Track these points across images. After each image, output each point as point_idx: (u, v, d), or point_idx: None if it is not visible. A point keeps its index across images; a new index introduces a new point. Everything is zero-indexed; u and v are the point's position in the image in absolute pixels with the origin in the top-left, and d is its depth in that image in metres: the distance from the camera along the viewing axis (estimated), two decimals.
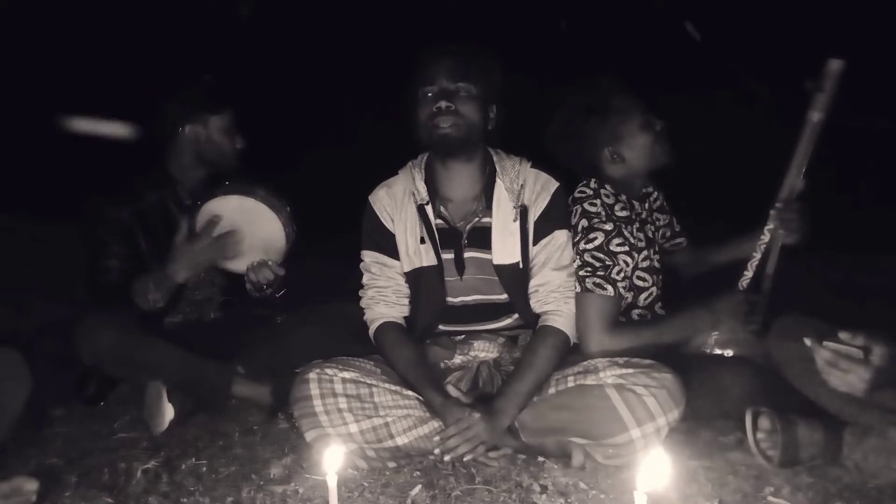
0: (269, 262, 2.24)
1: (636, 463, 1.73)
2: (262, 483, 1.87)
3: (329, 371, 1.93)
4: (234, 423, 2.23)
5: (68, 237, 2.53)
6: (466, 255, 2.05)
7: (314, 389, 1.90)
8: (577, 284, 2.03)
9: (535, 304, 2.05)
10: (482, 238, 2.04)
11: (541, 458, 1.93)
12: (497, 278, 2.04)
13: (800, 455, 1.82)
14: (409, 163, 2.12)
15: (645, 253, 2.10)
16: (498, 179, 2.05)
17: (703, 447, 1.99)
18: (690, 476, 1.83)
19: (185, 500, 1.80)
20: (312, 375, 1.92)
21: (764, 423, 1.88)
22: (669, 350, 2.04)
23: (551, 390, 1.92)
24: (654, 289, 2.14)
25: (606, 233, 2.03)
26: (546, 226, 2.04)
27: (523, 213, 2.03)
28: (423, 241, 2.04)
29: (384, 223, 2.09)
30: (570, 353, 2.02)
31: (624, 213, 2.08)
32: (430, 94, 1.97)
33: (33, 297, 3.22)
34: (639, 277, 2.11)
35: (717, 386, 2.01)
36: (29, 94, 4.44)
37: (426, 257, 2.05)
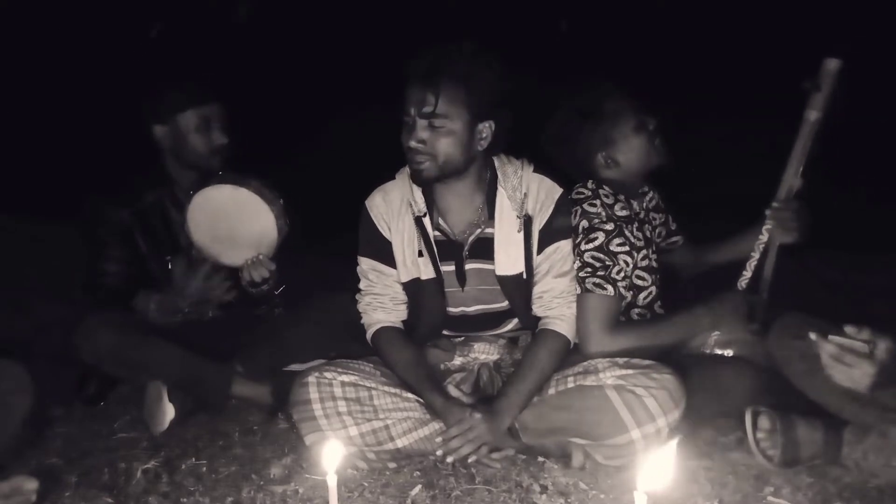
0: (260, 256, 2.22)
1: (636, 463, 1.73)
2: (262, 483, 1.87)
3: (328, 375, 1.92)
4: (234, 423, 2.23)
5: (68, 237, 2.53)
6: (468, 266, 2.01)
7: (313, 393, 1.90)
8: (577, 284, 2.03)
9: (538, 310, 2.03)
10: (484, 249, 2.00)
11: (541, 459, 1.93)
12: (499, 288, 2.02)
13: (800, 455, 1.82)
14: (406, 167, 2.03)
15: (644, 252, 2.10)
16: (500, 188, 1.99)
17: (703, 447, 1.99)
18: (690, 476, 1.83)
19: (185, 500, 1.80)
20: (311, 379, 1.91)
21: (764, 422, 1.88)
22: (669, 350, 2.04)
23: (551, 391, 1.92)
24: (653, 288, 2.14)
25: (607, 233, 2.03)
26: (550, 236, 1.99)
27: (527, 222, 1.98)
28: (420, 254, 2.00)
29: (381, 231, 2.04)
30: (571, 353, 2.02)
31: (624, 213, 2.08)
32: (407, 123, 1.88)
33: (33, 297, 3.21)
34: (638, 277, 2.11)
35: (717, 386, 2.01)
36: (29, 94, 4.44)
37: (424, 270, 2.00)
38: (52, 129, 4.49)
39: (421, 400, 1.95)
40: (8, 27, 4.30)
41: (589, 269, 2.01)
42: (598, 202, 2.06)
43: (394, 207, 2.03)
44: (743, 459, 1.91)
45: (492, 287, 2.02)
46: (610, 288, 2.00)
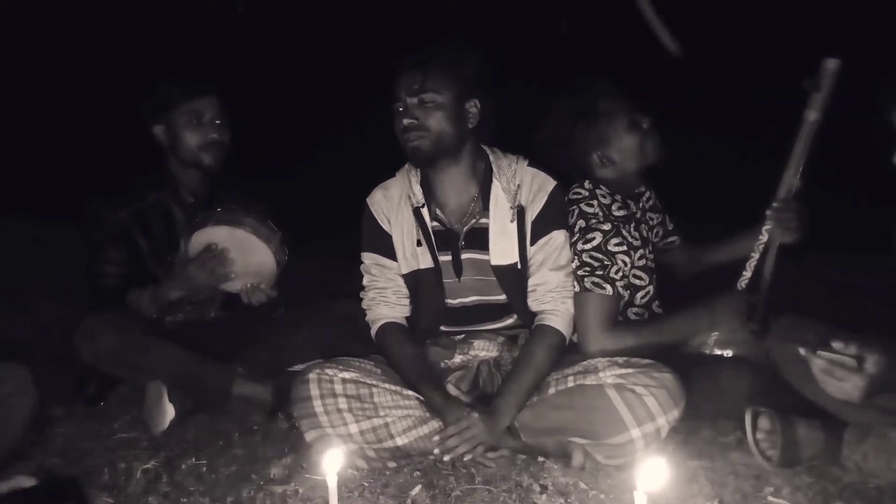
0: (262, 286, 2.29)
1: (636, 463, 1.74)
2: (262, 483, 1.87)
3: (329, 371, 1.93)
4: (234, 423, 2.23)
5: (68, 237, 2.53)
6: (464, 256, 2.05)
7: (314, 390, 1.91)
8: (575, 284, 2.03)
9: (533, 304, 2.05)
10: (479, 239, 2.04)
11: (541, 458, 1.94)
12: (495, 279, 2.05)
13: (800, 455, 1.82)
14: (406, 164, 2.11)
15: (641, 252, 2.10)
16: (494, 180, 2.04)
17: (703, 447, 1.99)
18: (690, 476, 1.83)
19: (185, 500, 1.80)
20: (312, 376, 1.93)
21: (764, 423, 1.88)
22: (669, 350, 2.04)
23: (551, 390, 1.93)
24: (650, 287, 2.14)
25: (604, 233, 2.03)
26: (543, 226, 2.03)
27: (520, 213, 2.02)
28: (419, 243, 2.04)
29: (381, 225, 2.09)
30: (570, 352, 2.02)
31: (621, 213, 2.08)
32: (399, 111, 1.97)
33: (33, 297, 3.21)
34: (635, 276, 2.11)
35: (717, 386, 2.01)
36: (29, 94, 4.44)
37: (423, 260, 2.05)
38: (53, 129, 4.49)
39: (421, 398, 1.96)
40: (8, 27, 4.30)
41: (587, 269, 2.01)
42: (595, 202, 2.07)
43: (393, 201, 2.09)
44: (743, 459, 1.91)
45: (488, 278, 2.05)
46: (608, 287, 2.00)
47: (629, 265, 2.07)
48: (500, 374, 2.07)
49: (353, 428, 1.88)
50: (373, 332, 2.11)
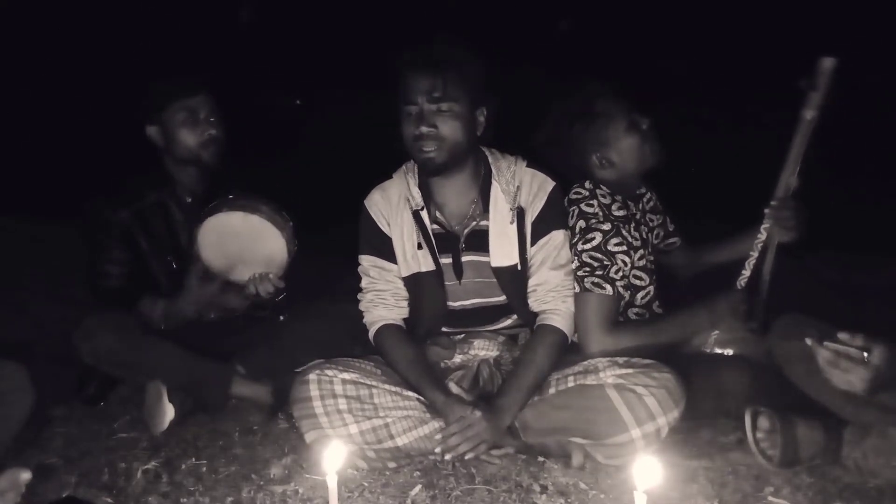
0: (270, 276, 2.25)
1: (636, 463, 1.74)
2: (262, 483, 1.87)
3: (329, 372, 1.93)
4: (234, 423, 2.23)
5: (68, 237, 2.53)
6: (464, 258, 2.05)
7: (314, 391, 1.90)
8: (575, 284, 2.03)
9: (534, 304, 2.05)
10: (480, 241, 2.03)
11: (541, 458, 1.94)
12: (495, 281, 2.04)
13: (800, 455, 1.82)
14: (404, 166, 2.10)
15: (641, 252, 2.10)
16: (494, 181, 2.03)
17: (703, 447, 1.99)
18: (690, 476, 1.83)
19: (185, 500, 1.81)
20: (312, 377, 1.92)
21: (764, 422, 1.88)
22: (669, 350, 2.04)
23: (552, 390, 1.93)
24: (650, 288, 2.14)
25: (604, 233, 2.03)
26: (543, 227, 2.03)
27: (520, 214, 2.01)
28: (420, 246, 2.03)
29: (380, 227, 2.07)
30: (570, 352, 2.02)
31: (621, 213, 2.08)
32: (411, 114, 1.91)
33: (33, 297, 3.22)
34: (636, 276, 2.11)
35: (717, 386, 2.01)
36: (29, 94, 4.44)
37: (424, 263, 2.04)
38: (53, 129, 4.49)
39: (421, 398, 1.95)
40: (8, 27, 4.31)
41: (587, 269, 2.01)
42: (595, 202, 2.07)
43: (392, 204, 2.07)
44: (743, 459, 1.91)
45: (488, 280, 2.04)
46: (609, 287, 2.00)
47: (629, 265, 2.07)
48: (501, 373, 2.06)
49: (353, 428, 1.88)
50: (371, 333, 2.10)
